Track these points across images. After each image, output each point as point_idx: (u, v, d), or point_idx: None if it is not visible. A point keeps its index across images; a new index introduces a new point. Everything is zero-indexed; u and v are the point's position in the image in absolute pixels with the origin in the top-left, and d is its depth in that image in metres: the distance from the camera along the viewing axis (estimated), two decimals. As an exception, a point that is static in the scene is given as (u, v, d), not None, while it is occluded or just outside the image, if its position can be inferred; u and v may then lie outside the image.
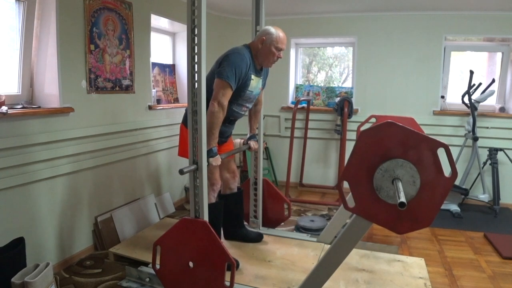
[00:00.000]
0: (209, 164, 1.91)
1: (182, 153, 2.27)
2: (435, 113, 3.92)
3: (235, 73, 2.02)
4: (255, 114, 2.55)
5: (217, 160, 1.98)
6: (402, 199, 1.23)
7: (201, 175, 1.83)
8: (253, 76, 2.17)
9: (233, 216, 2.58)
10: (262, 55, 2.17)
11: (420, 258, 2.44)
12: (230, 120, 2.27)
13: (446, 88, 4.04)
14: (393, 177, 1.33)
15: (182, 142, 2.28)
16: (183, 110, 2.36)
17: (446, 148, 1.27)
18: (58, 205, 2.41)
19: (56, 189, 2.38)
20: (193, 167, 1.83)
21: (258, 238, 2.61)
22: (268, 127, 4.48)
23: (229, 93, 2.02)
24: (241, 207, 2.63)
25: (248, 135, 2.60)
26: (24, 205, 2.18)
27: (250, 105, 2.34)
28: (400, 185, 1.30)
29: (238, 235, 2.59)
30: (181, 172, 1.76)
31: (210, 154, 1.93)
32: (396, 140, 1.31)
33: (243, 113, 2.31)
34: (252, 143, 2.57)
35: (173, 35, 3.85)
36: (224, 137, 2.32)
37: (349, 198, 1.50)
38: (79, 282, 2.25)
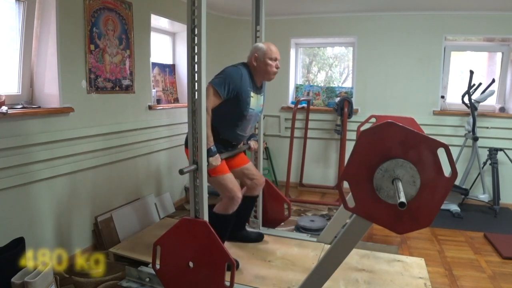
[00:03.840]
0: (209, 164, 1.91)
1: None
2: (435, 113, 3.92)
3: (225, 82, 2.04)
4: None
5: (217, 160, 1.98)
6: (402, 199, 1.22)
7: (201, 175, 1.83)
8: (252, 94, 2.18)
9: (238, 219, 2.57)
10: (260, 71, 2.19)
11: (420, 258, 2.44)
12: (233, 145, 2.29)
13: (446, 88, 4.04)
14: (393, 177, 1.32)
15: None
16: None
17: (446, 148, 1.27)
18: (58, 205, 2.41)
19: (56, 189, 2.38)
20: (193, 167, 1.83)
21: (258, 238, 2.62)
22: (268, 127, 4.48)
23: (213, 99, 2.02)
24: (249, 212, 2.67)
25: (248, 135, 2.60)
26: (24, 205, 2.18)
27: (253, 125, 2.33)
28: (400, 185, 1.30)
29: (238, 236, 2.60)
30: (181, 172, 1.77)
31: (210, 153, 1.93)
32: (396, 140, 1.31)
33: (247, 135, 2.32)
34: (252, 143, 2.57)
35: (173, 35, 3.85)
36: (231, 151, 2.28)
37: (349, 198, 1.49)
38: (79, 282, 2.25)
